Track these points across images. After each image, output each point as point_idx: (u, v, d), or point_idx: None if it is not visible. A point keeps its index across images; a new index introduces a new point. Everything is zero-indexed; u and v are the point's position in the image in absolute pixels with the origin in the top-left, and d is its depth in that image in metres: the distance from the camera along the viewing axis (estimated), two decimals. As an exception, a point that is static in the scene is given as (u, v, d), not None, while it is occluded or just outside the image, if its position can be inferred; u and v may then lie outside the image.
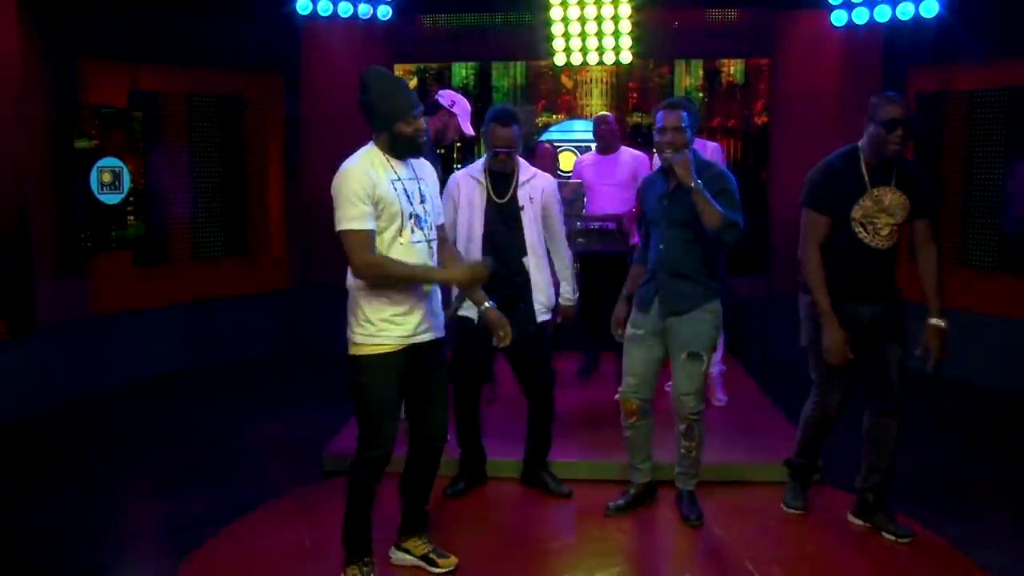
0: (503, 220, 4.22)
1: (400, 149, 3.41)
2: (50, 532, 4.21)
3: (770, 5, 7.20)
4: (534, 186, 4.28)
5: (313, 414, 5.99)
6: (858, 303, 3.84)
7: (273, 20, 7.23)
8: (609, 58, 6.89)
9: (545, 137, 7.71)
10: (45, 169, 6.27)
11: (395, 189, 3.35)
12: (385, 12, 7.05)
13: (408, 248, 3.37)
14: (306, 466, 4.96)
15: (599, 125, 6.11)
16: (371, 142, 3.46)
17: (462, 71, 7.81)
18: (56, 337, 6.30)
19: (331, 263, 7.56)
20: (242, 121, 7.54)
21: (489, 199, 4.23)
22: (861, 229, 3.80)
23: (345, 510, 3.50)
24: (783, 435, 5.05)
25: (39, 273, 6.15)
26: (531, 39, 7.29)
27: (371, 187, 3.27)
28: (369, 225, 3.28)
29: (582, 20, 6.80)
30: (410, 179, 3.44)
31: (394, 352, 3.37)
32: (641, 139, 7.35)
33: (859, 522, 4.07)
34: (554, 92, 7.77)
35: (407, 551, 3.73)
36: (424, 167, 3.57)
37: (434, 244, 3.49)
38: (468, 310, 4.14)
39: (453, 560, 3.69)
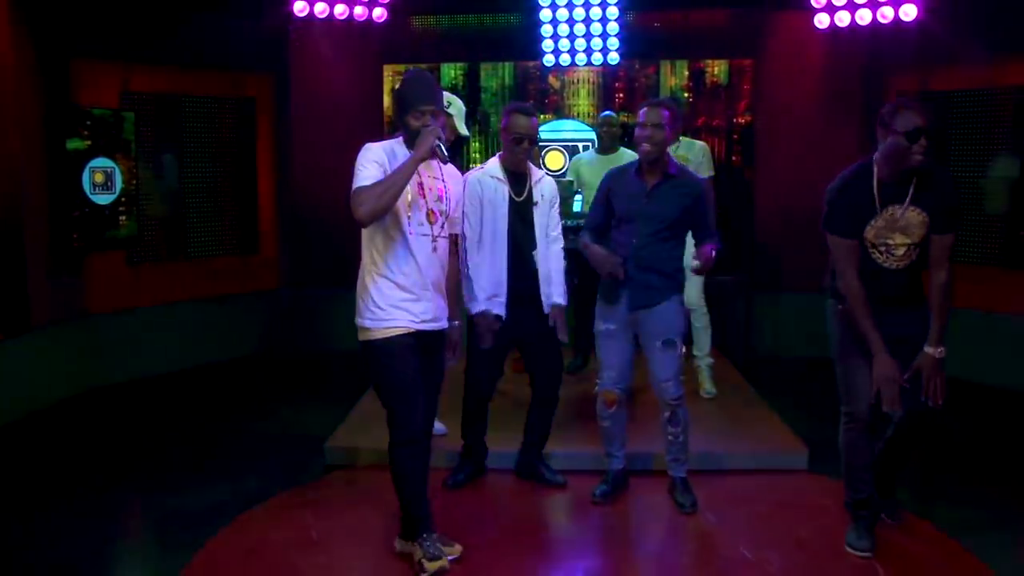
0: (520, 217, 4.37)
1: (412, 142, 3.52)
2: (51, 530, 4.24)
3: (753, 7, 7.34)
4: (543, 185, 4.46)
5: (308, 411, 6.06)
6: (883, 314, 3.60)
7: (263, 21, 7.29)
8: (597, 59, 7.01)
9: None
10: (38, 169, 6.29)
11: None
12: (379, 14, 7.11)
13: (413, 239, 3.49)
14: (305, 462, 5.02)
15: (604, 125, 6.21)
16: (399, 135, 3.58)
17: (451, 72, 7.90)
18: (50, 337, 6.33)
19: (322, 262, 7.72)
20: (233, 121, 7.59)
21: (510, 197, 4.36)
22: (875, 251, 3.62)
23: (398, 491, 3.62)
24: (769, 424, 5.24)
25: (32, 273, 6.17)
26: (520, 40, 7.38)
27: (387, 161, 3.40)
28: (380, 173, 3.37)
29: (571, 22, 6.90)
30: (432, 178, 3.58)
31: (403, 335, 3.48)
32: (627, 139, 7.45)
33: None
34: (542, 93, 7.87)
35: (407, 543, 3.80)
36: (453, 174, 3.72)
37: (440, 243, 3.59)
38: (492, 307, 4.31)
39: (458, 548, 3.77)
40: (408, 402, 3.50)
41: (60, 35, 6.40)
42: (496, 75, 7.89)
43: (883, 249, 3.59)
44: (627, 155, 6.05)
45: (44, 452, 5.45)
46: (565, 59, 7.03)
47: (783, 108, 7.48)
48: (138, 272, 7.05)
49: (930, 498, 4.45)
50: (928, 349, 3.52)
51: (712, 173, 5.79)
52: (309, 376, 7.11)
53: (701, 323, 5.77)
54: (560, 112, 7.88)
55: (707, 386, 5.82)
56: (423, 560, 3.56)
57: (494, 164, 4.45)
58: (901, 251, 3.57)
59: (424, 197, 3.53)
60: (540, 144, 7.55)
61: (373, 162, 3.41)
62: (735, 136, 7.75)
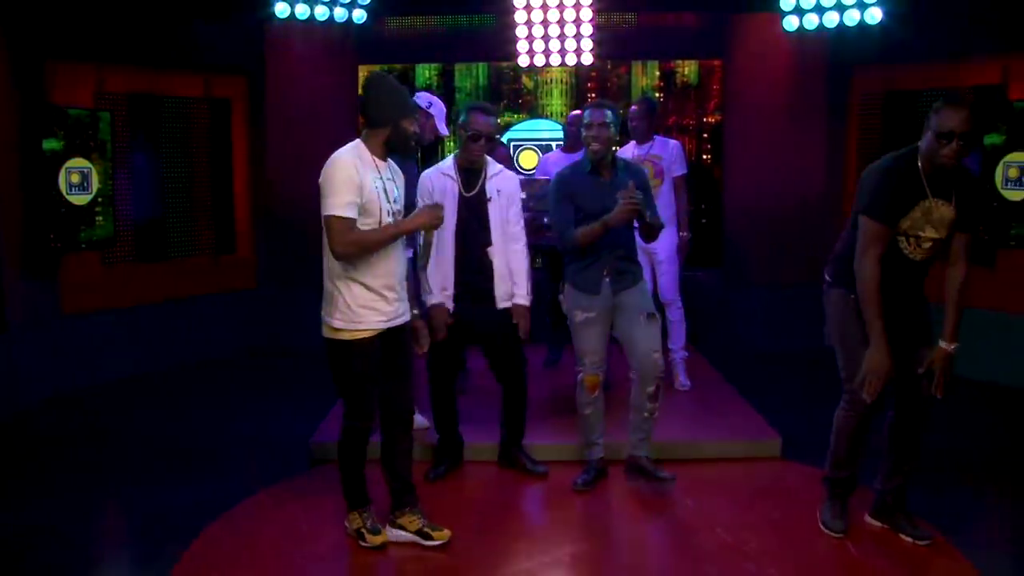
0: (472, 212, 4.44)
1: (398, 146, 3.71)
2: (36, 531, 4.24)
3: (722, 9, 7.50)
4: (501, 179, 4.52)
5: (288, 410, 6.10)
6: (894, 306, 3.65)
7: (238, 22, 7.33)
8: (571, 59, 7.13)
9: (507, 136, 7.92)
10: (13, 170, 6.28)
11: (376, 187, 3.62)
12: (360, 17, 7.19)
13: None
14: (288, 459, 5.07)
15: (572, 124, 6.33)
16: (358, 140, 3.71)
17: (426, 72, 7.98)
18: (27, 338, 6.32)
19: (298, 262, 7.75)
20: (208, 122, 7.61)
21: (460, 193, 4.44)
22: (903, 239, 3.59)
23: (340, 474, 3.89)
24: (745, 415, 5.39)
25: (8, 274, 6.16)
26: (494, 41, 7.49)
27: (359, 179, 3.55)
28: (353, 214, 3.55)
29: (545, 23, 7.02)
30: (388, 179, 3.73)
31: (372, 337, 3.68)
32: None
33: (876, 523, 3.99)
34: (515, 93, 7.98)
35: (402, 527, 3.93)
36: (396, 169, 3.85)
37: (401, 241, 3.78)
38: (443, 299, 4.44)
39: (447, 533, 3.90)
40: (365, 394, 3.77)
41: (34, 36, 6.38)
42: (470, 75, 8.00)
43: (913, 240, 3.58)
44: (558, 159, 6.18)
45: (23, 453, 5.45)
46: (540, 59, 7.14)
47: (752, 107, 7.65)
48: (114, 273, 7.04)
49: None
50: (943, 344, 3.57)
51: (685, 171, 5.92)
52: (287, 375, 7.15)
53: (676, 317, 5.91)
54: (534, 112, 8.01)
55: (682, 379, 5.96)
56: (364, 531, 3.86)
57: (448, 161, 4.56)
58: (928, 244, 3.58)
59: (388, 202, 3.68)
60: (514, 143, 7.67)
61: (347, 185, 3.51)
62: (705, 135, 7.91)
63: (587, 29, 7.05)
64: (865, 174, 3.64)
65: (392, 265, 3.69)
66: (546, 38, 7.09)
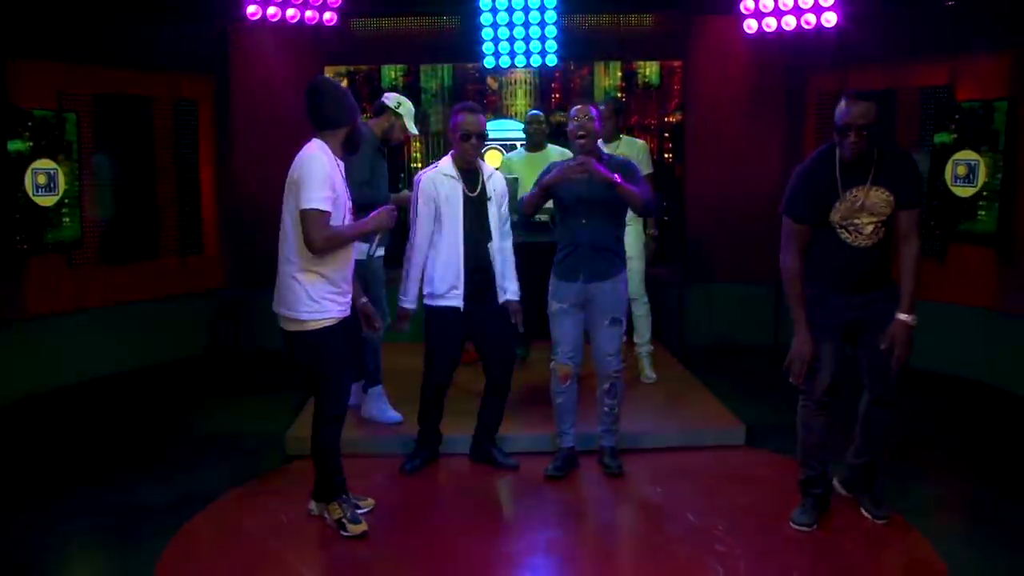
0: (475, 212, 4.56)
1: (352, 145, 3.92)
2: (8, 530, 4.27)
3: (683, 11, 7.68)
4: (495, 180, 4.67)
5: (258, 408, 6.14)
6: (846, 296, 3.83)
7: (205, 23, 7.36)
8: (535, 61, 7.26)
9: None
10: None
11: (341, 185, 3.84)
12: (329, 17, 7.26)
13: None
14: (262, 455, 5.14)
15: (532, 123, 6.46)
16: (317, 140, 3.86)
17: (391, 73, 8.06)
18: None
19: (265, 261, 7.75)
20: (174, 122, 7.61)
21: (465, 194, 4.55)
22: (843, 231, 3.75)
23: (317, 465, 4.05)
24: (708, 405, 5.58)
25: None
26: (460, 42, 7.59)
27: (332, 176, 3.75)
28: (330, 208, 3.73)
29: (510, 25, 7.14)
30: (344, 178, 3.91)
31: (336, 324, 3.88)
32: (564, 137, 7.73)
33: (843, 491, 4.25)
34: (480, 93, 8.09)
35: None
36: (341, 167, 3.97)
37: None
38: (451, 299, 4.54)
39: (371, 501, 4.27)
40: (341, 383, 3.98)
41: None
42: (435, 76, 8.09)
43: (851, 229, 3.73)
44: (554, 151, 6.31)
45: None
46: (505, 61, 7.26)
47: (712, 107, 7.83)
48: (81, 273, 7.01)
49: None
50: (900, 315, 3.69)
51: (651, 170, 6.07)
52: (256, 373, 7.19)
53: (642, 312, 6.07)
54: (498, 112, 8.13)
55: (647, 371, 6.12)
56: (345, 521, 3.97)
57: (447, 163, 4.63)
58: (869, 229, 3.71)
59: (347, 199, 3.90)
60: (481, 143, 7.76)
61: (326, 181, 3.71)
62: (667, 134, 8.09)
63: (551, 31, 7.19)
64: (793, 173, 3.86)
65: (348, 258, 3.91)
66: (511, 40, 7.22)
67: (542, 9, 7.10)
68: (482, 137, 4.58)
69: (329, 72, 7.96)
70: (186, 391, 6.80)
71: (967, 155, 6.68)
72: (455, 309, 4.55)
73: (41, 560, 3.98)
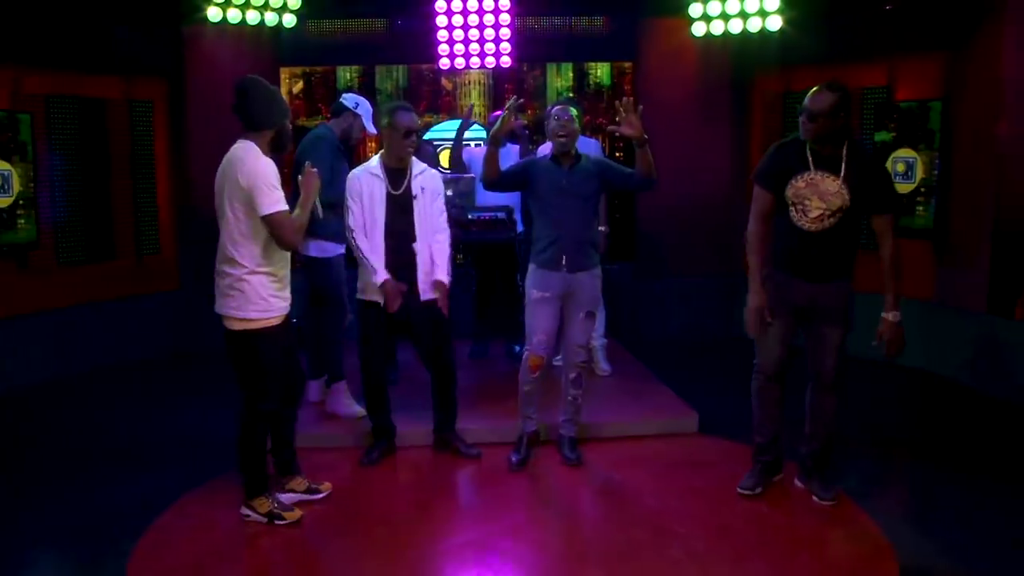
0: (399, 209, 4.67)
1: (280, 146, 4.02)
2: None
3: (633, 13, 7.87)
4: (425, 178, 4.76)
5: (218, 408, 6.11)
6: (795, 279, 4.09)
7: (160, 24, 7.36)
8: (490, 62, 7.39)
9: (427, 136, 8.12)
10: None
11: None
12: (291, 21, 7.34)
13: None
14: (223, 454, 5.15)
15: (493, 124, 6.57)
16: (249, 142, 3.95)
17: (346, 74, 8.13)
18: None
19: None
20: (129, 124, 7.59)
21: (388, 192, 4.66)
22: (792, 209, 4.02)
23: (243, 460, 4.14)
24: (662, 395, 5.77)
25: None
26: (415, 44, 7.68)
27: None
28: (287, 205, 3.89)
29: (465, 27, 7.27)
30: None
31: (279, 323, 4.03)
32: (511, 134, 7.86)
33: (800, 486, 4.41)
34: (435, 94, 8.20)
35: (292, 490, 4.33)
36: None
37: None
38: (374, 295, 4.66)
39: (328, 484, 4.43)
40: (279, 381, 4.08)
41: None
42: (391, 77, 8.18)
43: (799, 208, 4.00)
44: (513, 151, 6.44)
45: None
46: (460, 62, 7.39)
47: (661, 107, 7.98)
48: (36, 276, 6.98)
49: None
50: (885, 315, 4.04)
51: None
52: (214, 375, 7.13)
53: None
54: (453, 112, 8.23)
55: (602, 364, 6.28)
56: (276, 511, 4.10)
57: (374, 161, 4.76)
58: (814, 213, 3.97)
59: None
60: (435, 143, 7.87)
61: (277, 181, 3.87)
62: (617, 134, 8.24)
63: (505, 33, 7.34)
64: None
65: (287, 256, 4.04)
66: (466, 41, 7.34)
67: (496, 11, 7.24)
68: (420, 134, 4.75)
69: (284, 73, 8.02)
70: (145, 392, 6.80)
71: (905, 153, 6.98)
72: (376, 305, 4.68)
73: (11, 560, 4.01)
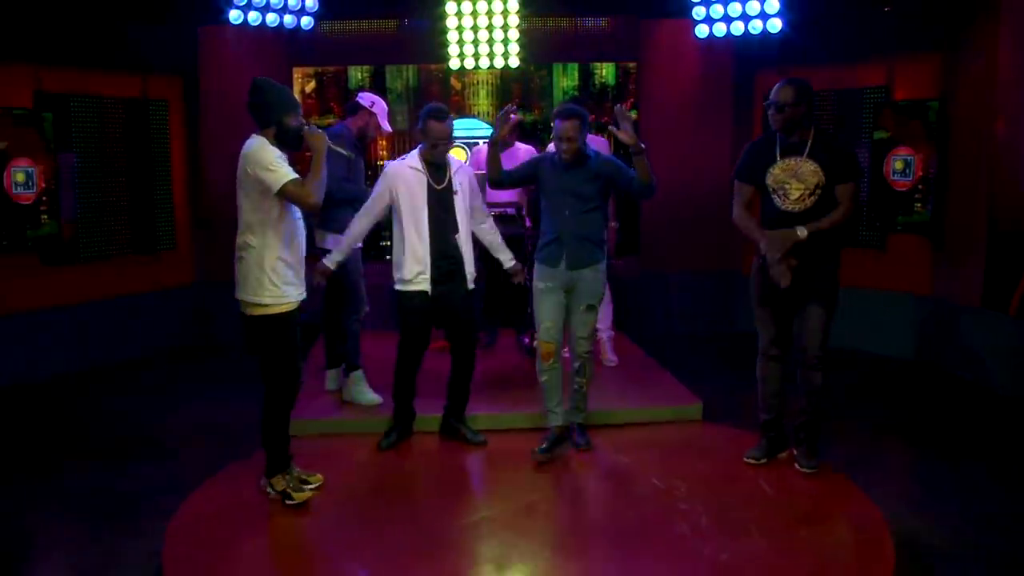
0: (440, 203, 4.85)
1: (285, 141, 4.16)
2: (26, 508, 4.54)
3: (637, 15, 8.07)
4: (462, 174, 4.96)
5: (231, 399, 6.32)
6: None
7: (179, 24, 7.56)
8: (499, 62, 7.60)
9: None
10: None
11: None
12: (308, 23, 7.58)
13: (293, 223, 4.19)
14: (241, 442, 5.33)
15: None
16: (259, 136, 4.15)
17: (357, 74, 8.33)
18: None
19: (234, 257, 7.98)
20: (146, 122, 7.78)
21: (430, 186, 4.83)
22: (774, 195, 4.41)
23: (266, 439, 4.30)
24: (668, 384, 5.97)
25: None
26: (425, 44, 7.88)
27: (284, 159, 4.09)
28: (295, 174, 4.03)
29: (475, 28, 7.48)
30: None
31: (294, 308, 4.21)
32: (523, 134, 8.06)
33: (789, 453, 4.75)
34: (444, 93, 8.39)
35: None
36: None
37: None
38: (418, 284, 4.83)
39: (320, 477, 4.51)
40: (296, 365, 4.28)
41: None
42: (401, 76, 8.37)
43: (781, 193, 4.39)
44: (522, 149, 6.63)
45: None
46: (469, 62, 7.58)
47: (664, 106, 8.21)
48: (58, 271, 7.17)
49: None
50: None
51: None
52: (226, 366, 7.39)
53: (604, 299, 6.40)
54: (461, 111, 8.43)
55: (609, 355, 6.48)
56: (289, 491, 4.26)
57: (413, 156, 4.92)
58: (795, 195, 4.36)
59: None
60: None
61: (282, 158, 4.05)
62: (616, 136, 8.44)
63: (513, 33, 7.53)
64: None
65: (301, 240, 4.23)
66: (475, 42, 7.54)
67: (504, 13, 7.44)
68: (450, 142, 4.87)
69: (297, 73, 8.21)
70: (163, 384, 6.98)
71: (904, 151, 7.16)
72: (423, 293, 4.85)
73: (49, 536, 4.24)
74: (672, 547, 3.82)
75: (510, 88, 8.35)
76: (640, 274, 8.32)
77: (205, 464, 4.94)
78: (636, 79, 8.38)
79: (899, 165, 7.20)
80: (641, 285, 8.31)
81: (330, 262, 4.94)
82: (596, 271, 4.83)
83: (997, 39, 6.38)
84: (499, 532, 4.02)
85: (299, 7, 7.43)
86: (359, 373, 5.57)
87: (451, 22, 7.50)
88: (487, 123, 8.26)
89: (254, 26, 7.39)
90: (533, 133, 7.32)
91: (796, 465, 4.61)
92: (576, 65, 8.43)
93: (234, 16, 7.21)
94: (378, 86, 8.26)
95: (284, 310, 4.15)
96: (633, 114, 8.34)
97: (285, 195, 4.01)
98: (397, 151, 8.49)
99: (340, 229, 5.30)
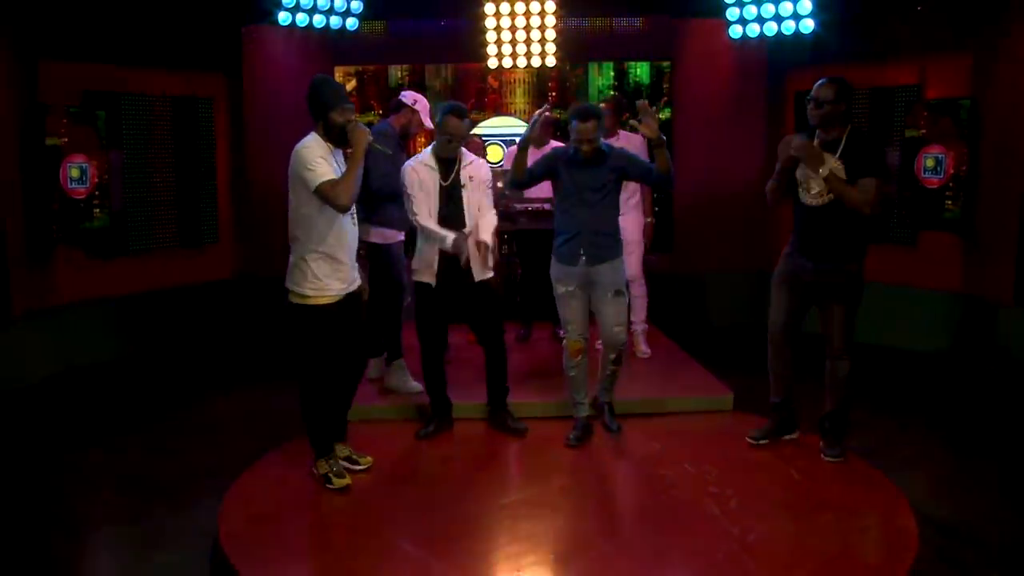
0: (449, 197, 5.01)
1: (333, 136, 4.32)
2: (81, 485, 4.84)
3: (671, 15, 8.21)
4: (474, 168, 5.09)
5: (274, 387, 6.56)
6: (803, 258, 4.60)
7: (219, 23, 7.82)
8: (536, 61, 7.77)
9: (474, 132, 8.50)
10: (16, 165, 6.68)
11: (335, 171, 4.25)
12: (353, 24, 7.85)
13: (339, 219, 4.30)
14: (293, 425, 5.58)
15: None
16: (312, 132, 4.35)
17: (397, 72, 8.54)
18: (29, 324, 6.76)
19: (275, 252, 8.21)
20: (192, 119, 8.05)
21: (439, 182, 5.00)
22: (800, 189, 4.59)
23: (309, 426, 4.49)
24: (699, 375, 6.13)
25: (12, 264, 6.57)
26: (464, 43, 8.08)
27: (328, 159, 4.23)
28: (334, 175, 4.18)
29: (512, 28, 7.67)
30: (340, 163, 4.35)
31: (334, 302, 4.34)
32: (560, 133, 8.22)
33: (790, 437, 4.98)
34: (481, 91, 8.57)
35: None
36: (341, 158, 4.42)
37: (354, 216, 4.46)
38: (425, 277, 5.03)
39: (369, 459, 4.68)
40: (328, 355, 4.40)
41: (30, 36, 6.78)
42: (439, 75, 8.57)
43: (805, 187, 4.57)
44: (555, 147, 6.75)
45: (36, 423, 5.96)
46: (507, 61, 7.77)
47: (698, 105, 8.34)
48: (108, 263, 7.45)
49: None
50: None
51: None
52: (271, 356, 7.63)
53: (639, 292, 6.56)
54: (498, 109, 8.61)
55: (642, 347, 6.63)
56: (331, 475, 4.44)
57: (427, 153, 5.08)
58: (815, 189, 4.52)
59: None
60: (483, 138, 8.25)
61: (322, 159, 4.19)
62: (638, 131, 8.57)
63: (550, 33, 7.70)
64: None
65: (348, 238, 4.34)
66: (513, 42, 7.72)
67: (542, 13, 7.62)
68: (462, 139, 5.01)
69: (338, 72, 8.43)
70: (202, 374, 7.24)
71: (935, 149, 7.24)
72: (428, 285, 5.04)
73: (102, 512, 4.51)
74: (702, 527, 3.98)
75: (546, 87, 8.51)
76: (673, 270, 8.44)
77: (249, 448, 5.15)
78: (670, 78, 8.50)
79: (930, 163, 7.27)
80: (674, 281, 8.43)
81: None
82: (615, 264, 4.92)
83: (1028, 38, 6.46)
84: (535, 511, 4.20)
85: (344, 9, 7.66)
86: (400, 362, 5.77)
87: (490, 22, 7.69)
88: (523, 120, 8.42)
89: (299, 27, 7.62)
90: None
91: (821, 455, 4.73)
92: (611, 64, 8.57)
93: (283, 18, 7.45)
94: (417, 85, 8.45)
95: (324, 302, 4.29)
96: (667, 112, 8.49)
97: (318, 195, 4.17)
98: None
99: (382, 222, 5.51)
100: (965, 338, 7.11)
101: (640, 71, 8.59)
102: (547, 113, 5.24)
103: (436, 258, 5.00)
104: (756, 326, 8.13)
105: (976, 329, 7.01)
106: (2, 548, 4.12)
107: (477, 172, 5.10)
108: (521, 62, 7.79)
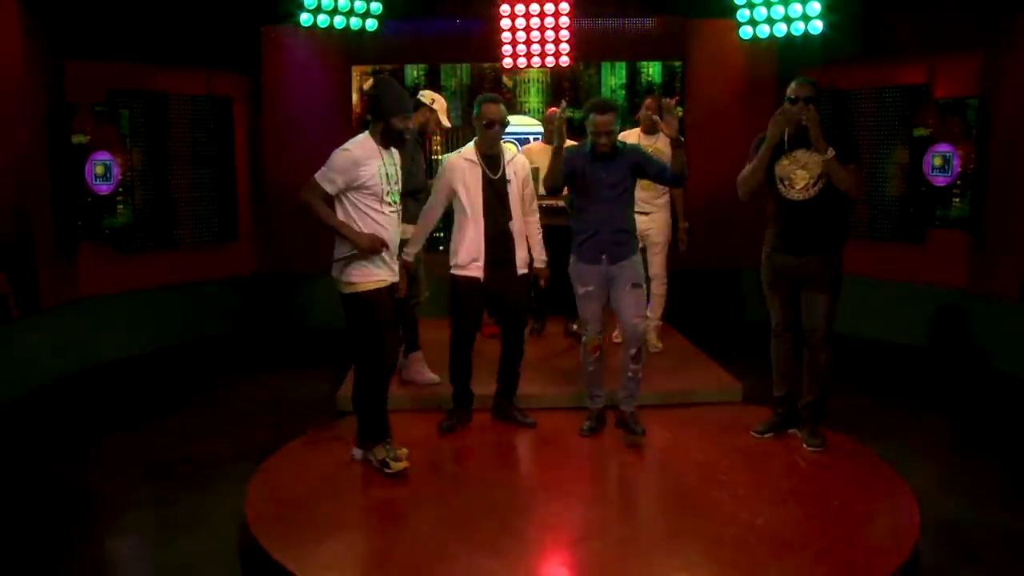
0: (495, 193, 5.13)
1: (389, 139, 4.52)
2: (109, 472, 5.01)
3: (683, 15, 8.33)
4: (516, 164, 5.23)
5: (294, 379, 6.77)
6: (784, 254, 4.75)
7: (239, 24, 7.99)
8: (550, 61, 7.91)
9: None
10: (43, 163, 6.84)
11: (379, 172, 4.45)
12: (372, 24, 8.04)
13: (383, 216, 4.49)
14: (313, 414, 5.80)
15: (549, 122, 7.04)
16: (367, 131, 4.54)
17: (413, 72, 8.69)
18: (55, 318, 6.92)
19: (294, 248, 8.42)
20: (212, 118, 8.22)
21: (484, 176, 5.12)
22: (780, 184, 4.72)
23: (363, 413, 4.67)
24: (710, 369, 6.28)
25: (40, 258, 6.75)
26: (479, 43, 8.22)
27: (354, 170, 4.39)
28: (329, 188, 4.38)
29: (527, 28, 7.82)
30: (390, 164, 4.54)
31: (384, 287, 4.50)
32: (572, 132, 8.34)
33: (794, 431, 5.05)
34: (496, 91, 8.69)
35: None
36: (396, 157, 4.62)
37: (399, 212, 4.62)
38: (472, 271, 5.11)
39: (406, 450, 4.70)
40: (390, 339, 4.55)
41: (57, 36, 6.96)
42: (455, 75, 8.71)
43: (787, 183, 4.71)
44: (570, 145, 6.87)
45: (64, 414, 6.13)
46: (522, 61, 7.91)
47: (709, 104, 8.47)
48: (131, 258, 7.64)
49: (849, 423, 5.47)
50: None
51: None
52: (287, 349, 7.84)
53: (660, 291, 6.68)
54: (513, 109, 8.72)
55: (654, 341, 6.75)
56: (388, 459, 4.57)
57: (469, 148, 5.18)
58: (800, 184, 4.68)
59: (388, 184, 4.50)
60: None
61: (340, 168, 4.37)
62: (659, 128, 8.69)
63: (564, 34, 7.84)
64: None
65: (386, 229, 4.49)
66: (527, 42, 7.87)
67: (556, 14, 7.77)
68: (503, 124, 5.11)
69: (355, 72, 8.58)
70: (231, 365, 7.42)
71: (943, 148, 7.35)
72: (476, 279, 5.12)
73: (135, 495, 4.68)
74: (711, 511, 4.13)
75: (560, 86, 8.64)
76: (682, 268, 8.54)
77: (272, 435, 5.36)
78: (681, 77, 8.63)
79: (938, 161, 7.39)
80: (683, 279, 8.54)
81: (408, 255, 5.16)
82: (634, 260, 5.01)
83: (1035, 38, 6.56)
84: (552, 496, 4.36)
85: (364, 11, 7.82)
86: (418, 354, 5.93)
87: (505, 23, 7.84)
88: (538, 119, 8.55)
89: (320, 27, 7.78)
90: (582, 130, 7.51)
91: (804, 445, 4.86)
92: (624, 64, 8.70)
93: (305, 19, 7.62)
94: (433, 84, 8.59)
95: (372, 287, 4.44)
96: (679, 111, 8.61)
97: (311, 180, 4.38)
98: (452, 146, 8.79)
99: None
100: (971, 334, 7.22)
101: (652, 71, 8.72)
102: (562, 108, 5.35)
103: (483, 250, 5.08)
104: (763, 324, 8.26)
105: (982, 325, 7.11)
106: (33, 534, 4.28)
107: (520, 168, 5.24)
108: (535, 62, 7.93)
